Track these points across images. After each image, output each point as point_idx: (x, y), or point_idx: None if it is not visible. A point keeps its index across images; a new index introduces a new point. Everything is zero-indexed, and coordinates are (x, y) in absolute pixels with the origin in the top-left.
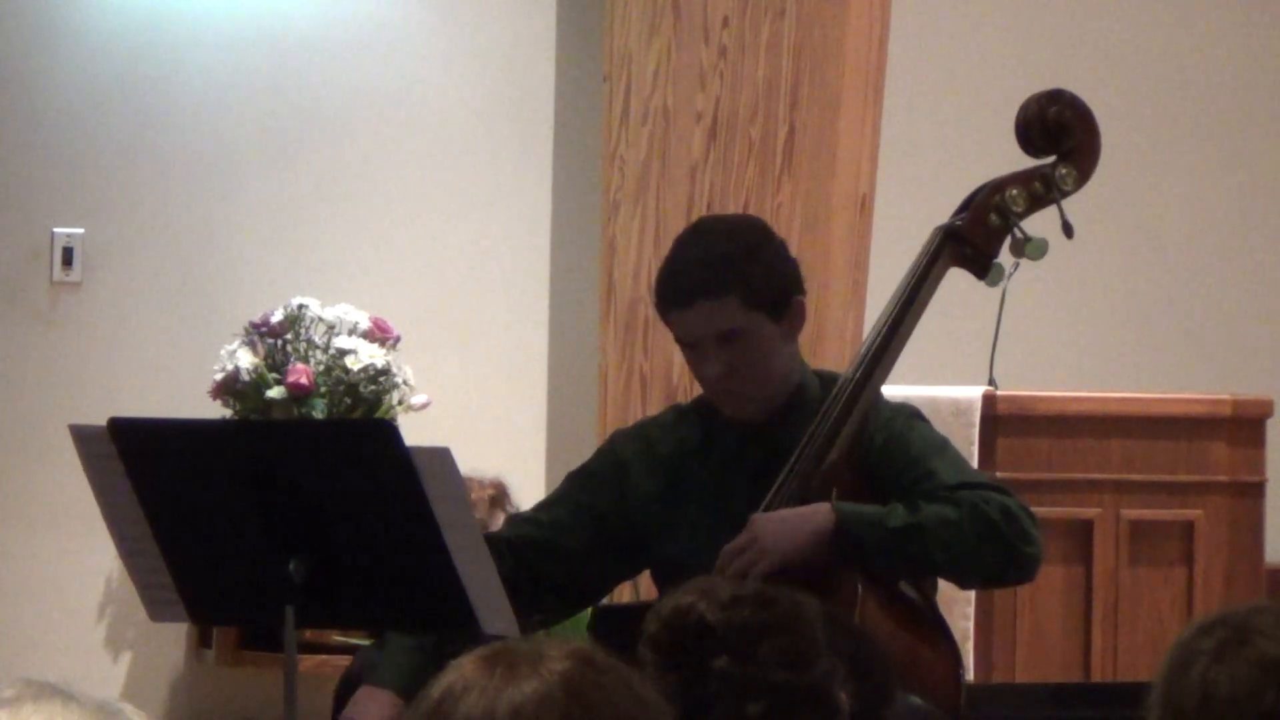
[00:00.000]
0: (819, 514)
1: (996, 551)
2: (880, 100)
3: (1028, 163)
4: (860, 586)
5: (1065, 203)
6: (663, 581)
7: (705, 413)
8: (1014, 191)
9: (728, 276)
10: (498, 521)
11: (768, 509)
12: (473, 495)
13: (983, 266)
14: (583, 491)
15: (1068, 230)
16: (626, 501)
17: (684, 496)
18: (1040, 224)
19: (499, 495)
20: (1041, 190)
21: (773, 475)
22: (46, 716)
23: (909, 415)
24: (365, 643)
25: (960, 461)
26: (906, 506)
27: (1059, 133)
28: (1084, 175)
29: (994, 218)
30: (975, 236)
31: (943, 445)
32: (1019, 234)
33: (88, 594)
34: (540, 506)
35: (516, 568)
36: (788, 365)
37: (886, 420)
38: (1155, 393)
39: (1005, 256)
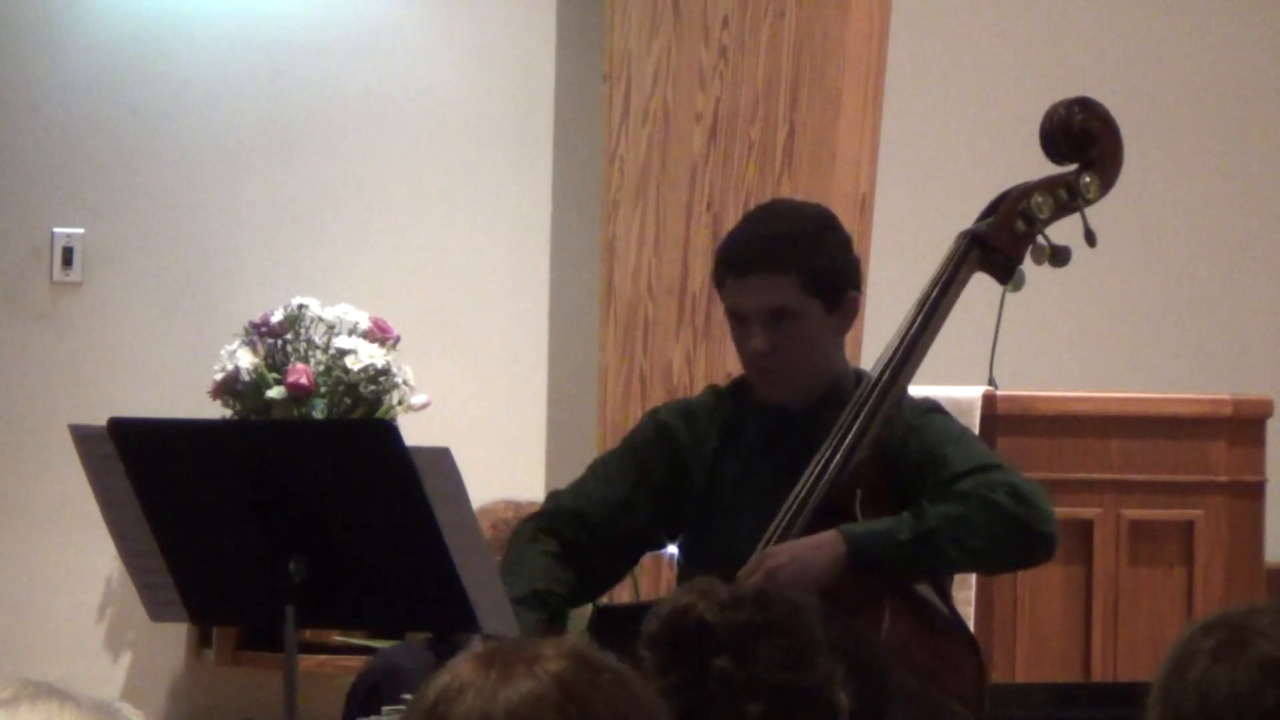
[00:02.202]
0: (828, 543)
1: (1013, 536)
2: (880, 100)
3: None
4: (888, 601)
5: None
6: (689, 566)
7: (741, 398)
8: (1039, 198)
9: (790, 255)
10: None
11: (796, 512)
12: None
13: (1006, 271)
14: (637, 465)
15: (1090, 238)
16: (679, 468)
17: (720, 485)
18: (1061, 232)
19: None
20: (1066, 198)
21: (801, 468)
22: (44, 717)
23: (926, 410)
24: (384, 644)
25: (972, 447)
26: (913, 514)
27: (1084, 141)
28: (1107, 184)
29: (1020, 224)
30: (1001, 242)
31: (959, 434)
32: (1043, 241)
33: (88, 594)
34: (595, 480)
35: (588, 545)
36: (830, 358)
37: (906, 416)
38: (1155, 393)
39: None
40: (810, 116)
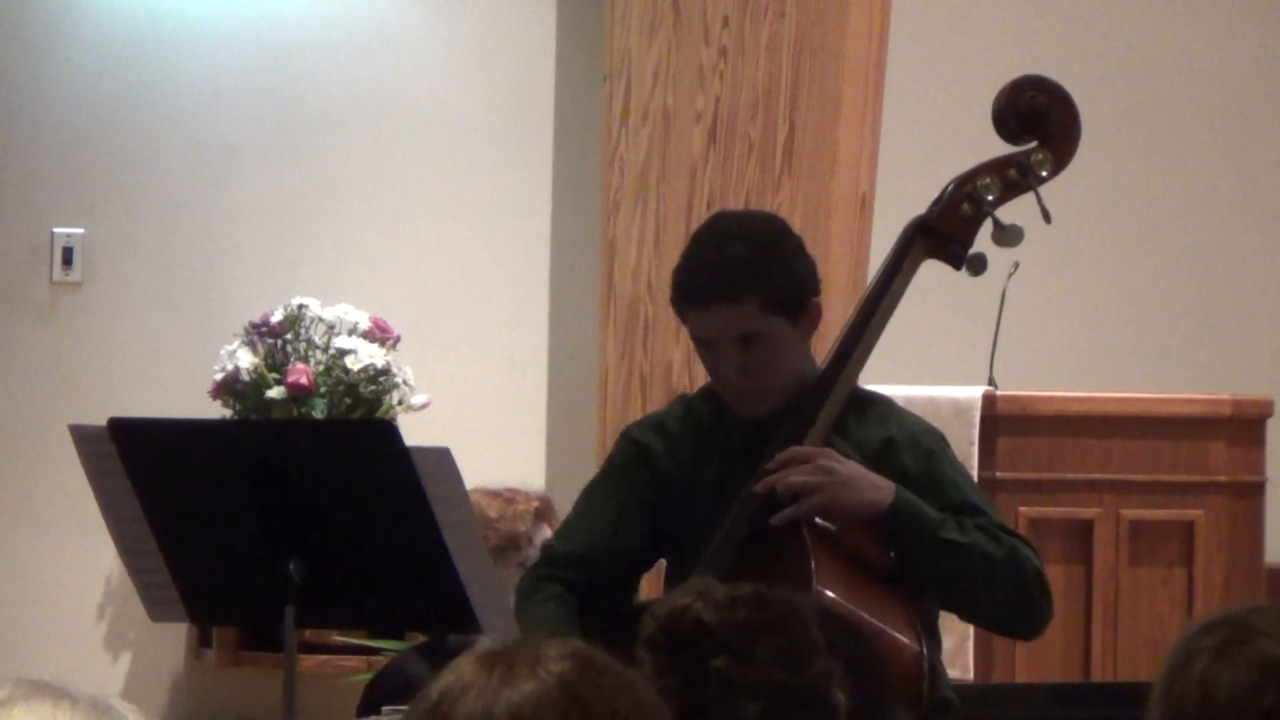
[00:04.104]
0: (883, 490)
1: (1016, 604)
2: (880, 100)
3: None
4: (813, 563)
5: (1059, 196)
6: (676, 576)
7: (713, 403)
8: (986, 180)
9: (747, 280)
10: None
11: (740, 511)
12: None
13: (957, 258)
14: (619, 489)
15: (1046, 217)
16: (660, 483)
17: (699, 492)
18: (1020, 214)
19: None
20: (1016, 177)
21: None
22: (39, 717)
23: (941, 438)
24: (384, 644)
25: (990, 504)
26: (959, 525)
27: (1034, 119)
28: (1061, 160)
29: (966, 207)
30: (947, 227)
31: (972, 480)
32: (995, 223)
33: (88, 594)
34: (582, 516)
35: (593, 582)
36: (800, 363)
37: (913, 438)
38: (1155, 393)
39: (996, 253)
40: (810, 116)
